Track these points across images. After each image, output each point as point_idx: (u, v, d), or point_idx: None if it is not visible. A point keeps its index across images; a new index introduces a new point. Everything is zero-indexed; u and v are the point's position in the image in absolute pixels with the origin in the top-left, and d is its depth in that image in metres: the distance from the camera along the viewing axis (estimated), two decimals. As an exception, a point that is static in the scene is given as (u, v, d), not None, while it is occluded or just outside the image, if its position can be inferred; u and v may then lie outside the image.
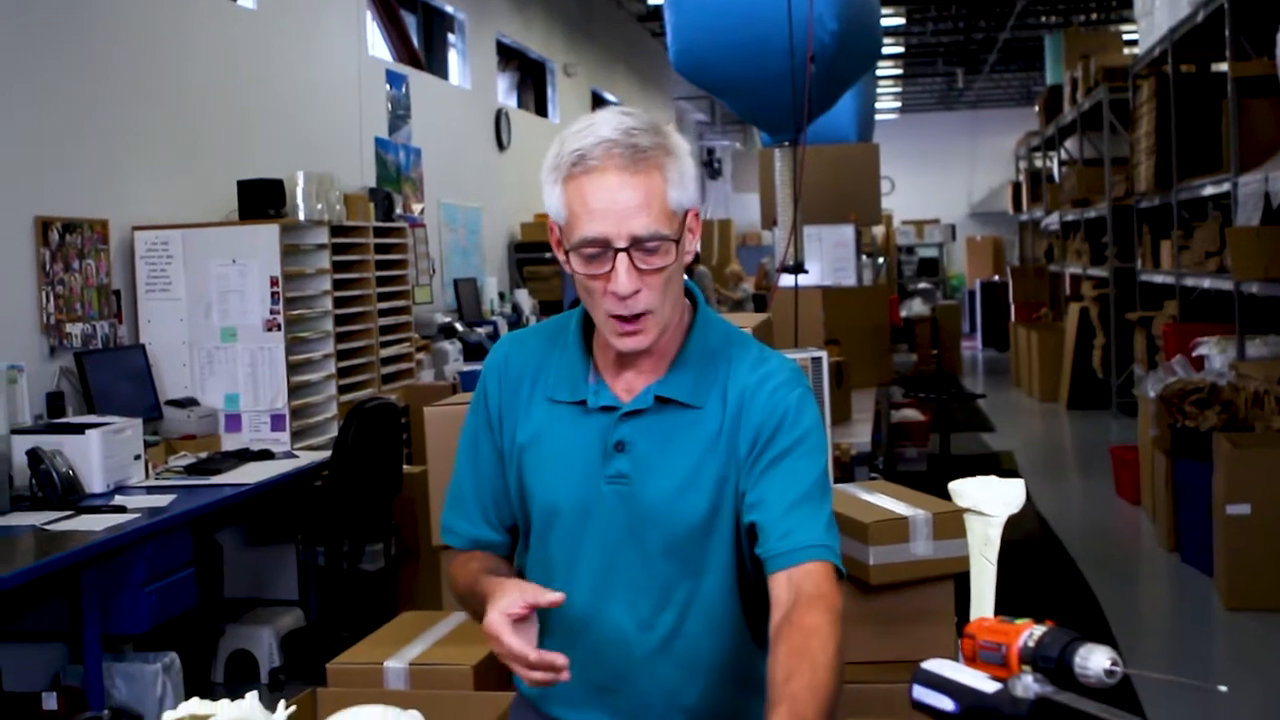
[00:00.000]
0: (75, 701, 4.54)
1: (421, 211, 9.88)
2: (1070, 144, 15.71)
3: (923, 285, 24.07)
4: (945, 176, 27.05)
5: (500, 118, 12.41)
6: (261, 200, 6.47)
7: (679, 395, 1.98)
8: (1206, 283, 8.60)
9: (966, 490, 1.70)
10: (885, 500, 3.86)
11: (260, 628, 5.70)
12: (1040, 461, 10.85)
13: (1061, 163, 16.39)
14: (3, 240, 5.38)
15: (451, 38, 12.01)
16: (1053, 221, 16.33)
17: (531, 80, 15.01)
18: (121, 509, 4.66)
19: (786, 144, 7.87)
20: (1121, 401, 12.09)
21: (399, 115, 9.78)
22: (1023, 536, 7.89)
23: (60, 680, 4.88)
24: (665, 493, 1.96)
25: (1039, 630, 1.38)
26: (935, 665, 1.43)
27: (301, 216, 6.61)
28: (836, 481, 4.97)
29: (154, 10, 6.55)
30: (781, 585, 1.87)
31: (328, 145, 8.37)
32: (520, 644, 1.80)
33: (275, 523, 5.99)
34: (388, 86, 9.65)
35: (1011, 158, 23.16)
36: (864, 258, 12.34)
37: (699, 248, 1.91)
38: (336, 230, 6.83)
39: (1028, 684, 1.31)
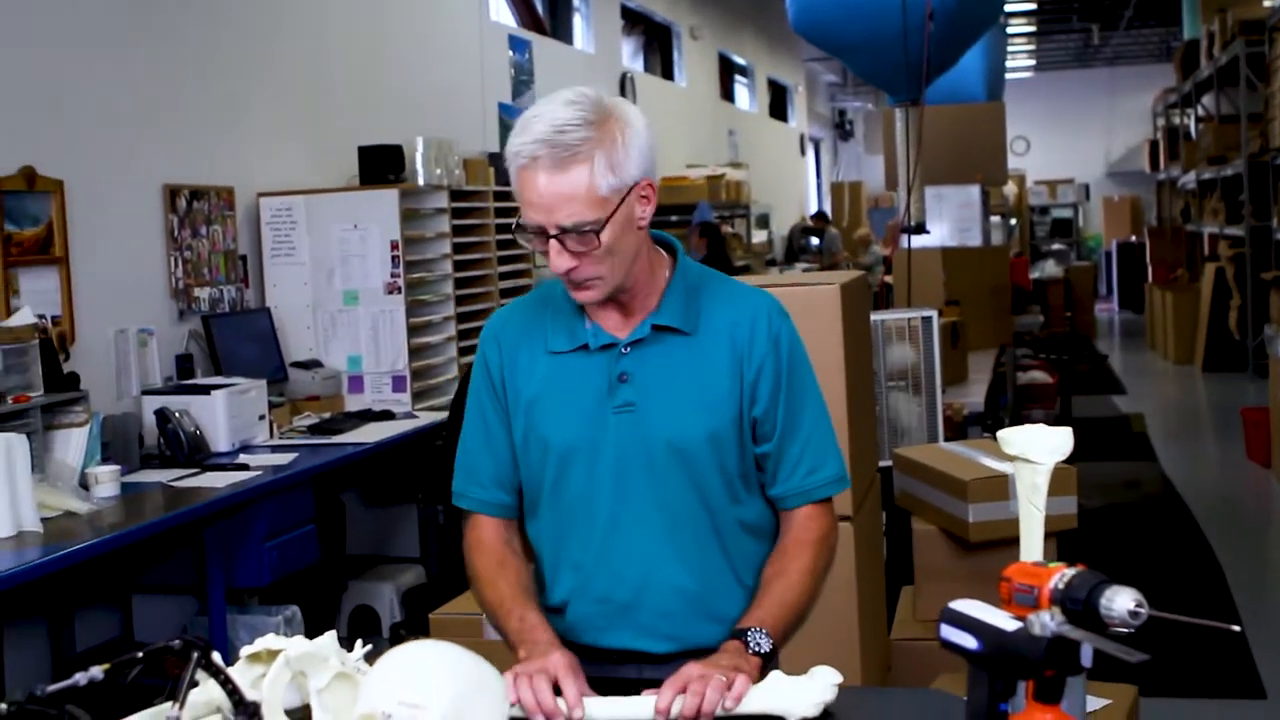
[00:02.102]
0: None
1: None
2: (1207, 100, 15.34)
3: (1056, 246, 23.69)
4: (1082, 135, 26.48)
5: (625, 82, 12.44)
6: (381, 165, 6.58)
7: (673, 322, 2.12)
8: (1342, 240, 8.39)
9: (1014, 438, 1.72)
10: (988, 458, 3.86)
11: (382, 584, 5.85)
12: (1171, 424, 10.67)
13: (1199, 119, 16.01)
14: (133, 208, 5.55)
15: (576, 2, 12.06)
16: (1189, 180, 15.98)
17: (657, 44, 15.01)
18: (245, 467, 4.81)
19: (907, 104, 7.83)
20: (1258, 363, 11.82)
21: (522, 81, 9.86)
22: (1146, 498, 7.79)
23: (187, 631, 5.06)
24: (670, 414, 2.10)
25: (1070, 573, 1.41)
26: (962, 605, 1.46)
27: (420, 181, 6.72)
28: (947, 440, 4.97)
29: (278, -19, 6.69)
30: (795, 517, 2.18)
31: (450, 111, 8.48)
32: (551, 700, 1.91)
33: (397, 482, 6.12)
34: (511, 52, 9.73)
35: (1149, 115, 22.63)
36: (995, 219, 12.16)
37: (650, 215, 2.08)
38: (456, 195, 6.93)
39: (1045, 622, 1.34)
